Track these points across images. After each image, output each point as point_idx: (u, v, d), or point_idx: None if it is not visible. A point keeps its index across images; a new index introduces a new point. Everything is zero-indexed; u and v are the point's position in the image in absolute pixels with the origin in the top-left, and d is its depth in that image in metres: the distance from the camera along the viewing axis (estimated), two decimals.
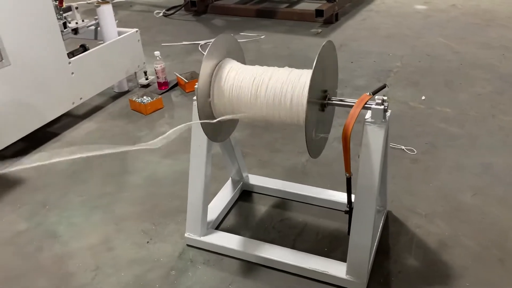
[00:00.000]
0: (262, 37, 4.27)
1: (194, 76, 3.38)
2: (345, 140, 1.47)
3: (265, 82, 1.55)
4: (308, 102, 1.40)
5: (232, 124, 1.84)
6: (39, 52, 2.53)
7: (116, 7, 4.19)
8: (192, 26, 4.79)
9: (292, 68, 1.60)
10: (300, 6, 5.11)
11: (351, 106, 1.50)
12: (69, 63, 2.75)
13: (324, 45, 1.48)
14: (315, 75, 1.42)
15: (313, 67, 1.40)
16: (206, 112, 1.62)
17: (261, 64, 1.77)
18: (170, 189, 2.28)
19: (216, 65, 1.63)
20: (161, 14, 5.11)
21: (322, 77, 1.50)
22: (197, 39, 4.28)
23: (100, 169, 2.47)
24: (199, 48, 4.10)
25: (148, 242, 1.93)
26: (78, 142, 2.73)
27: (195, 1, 4.99)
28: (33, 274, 1.82)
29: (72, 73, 2.78)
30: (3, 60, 2.05)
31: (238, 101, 1.59)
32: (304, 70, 1.55)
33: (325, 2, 4.55)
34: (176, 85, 3.39)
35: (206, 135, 1.67)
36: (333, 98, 1.58)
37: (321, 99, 1.53)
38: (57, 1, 2.87)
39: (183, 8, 5.17)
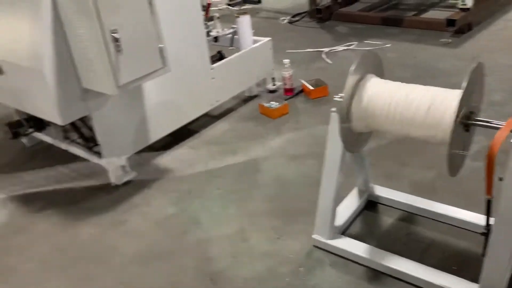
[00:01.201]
0: (388, 45, 4.24)
1: (319, 84, 3.51)
2: (490, 163, 1.47)
3: (409, 100, 1.61)
4: (455, 122, 1.43)
5: (367, 136, 1.93)
6: (189, 59, 2.86)
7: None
8: (316, 33, 4.92)
9: (434, 87, 1.64)
10: (428, 14, 4.95)
11: (498, 128, 1.49)
12: (211, 69, 3.07)
13: (476, 67, 1.49)
14: (464, 96, 1.44)
15: (463, 88, 1.43)
16: (345, 123, 1.73)
17: (387, 73, 1.83)
18: (296, 191, 2.44)
19: (359, 80, 1.73)
20: (286, 21, 5.34)
21: (468, 97, 1.52)
22: (321, 47, 4.40)
23: (234, 167, 2.72)
24: (323, 56, 4.21)
25: (278, 238, 2.11)
26: (214, 140, 3.03)
27: (320, 9, 5.12)
28: (181, 253, 2.10)
29: (213, 78, 3.09)
30: (165, 67, 2.37)
31: (379, 116, 1.67)
32: (450, 90, 1.58)
33: (457, 10, 4.36)
34: (301, 91, 3.55)
35: (344, 145, 1.78)
36: (479, 119, 1.58)
37: (466, 120, 1.54)
38: (204, 12, 3.21)
39: (307, 14, 5.33)
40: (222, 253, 2.06)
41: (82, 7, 2.02)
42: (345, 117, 1.71)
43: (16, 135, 2.65)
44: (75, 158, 2.84)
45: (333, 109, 1.79)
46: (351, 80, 1.68)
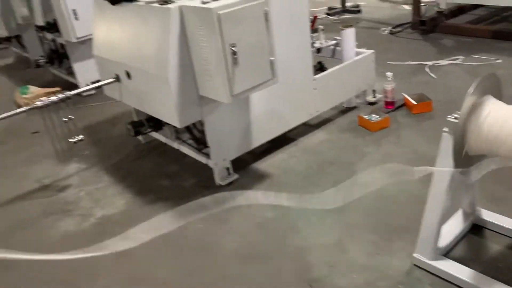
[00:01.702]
0: (498, 61, 4.01)
1: (422, 99, 3.43)
2: None
3: None
4: None
5: (480, 157, 1.88)
6: (294, 69, 2.98)
7: (343, 23, 4.52)
8: (419, 45, 4.79)
9: None
10: None
11: None
12: (314, 79, 3.15)
13: None
14: None
15: None
16: (459, 145, 1.71)
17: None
18: (396, 206, 2.43)
19: (476, 101, 1.69)
20: (387, 31, 5.25)
21: None
22: (424, 60, 4.28)
23: (330, 176, 2.78)
24: (426, 69, 4.10)
25: (377, 254, 2.13)
26: (311, 148, 3.11)
27: (425, 20, 4.97)
28: (279, 257, 2.21)
29: (315, 88, 3.17)
30: (274, 78, 2.51)
31: (497, 141, 1.63)
32: None
33: None
34: (402, 105, 3.49)
35: (456, 166, 1.76)
36: None
37: None
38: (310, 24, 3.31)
39: (410, 26, 5.20)
40: (320, 261, 2.13)
41: (206, 23, 2.22)
42: (460, 138, 1.69)
43: (137, 133, 2.96)
44: (183, 156, 3.10)
45: (446, 129, 1.78)
46: (469, 101, 1.66)
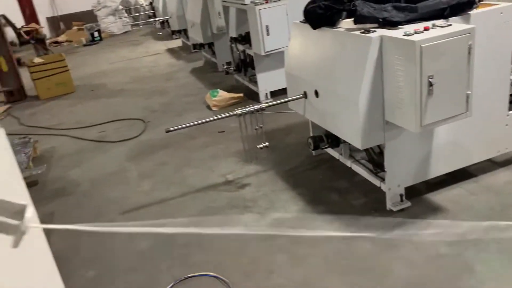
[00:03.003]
0: None
1: None
2: None
3: None
4: None
5: None
6: (487, 103, 2.82)
7: None
8: None
9: None
10: None
11: None
12: (507, 115, 2.94)
13: None
14: None
15: None
16: None
17: None
18: None
19: None
20: None
21: None
22: None
23: None
24: None
25: None
26: (495, 188, 2.92)
27: None
28: None
29: (507, 124, 2.96)
30: (467, 112, 2.44)
31: None
32: None
33: None
34: None
35: None
36: None
37: None
38: None
39: None
40: None
41: (407, 54, 2.28)
42: None
43: (316, 148, 3.18)
44: (353, 174, 3.20)
45: None
46: None
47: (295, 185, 3.33)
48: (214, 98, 5.21)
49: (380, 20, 2.53)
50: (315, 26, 2.91)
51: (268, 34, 4.60)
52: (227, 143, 4.24)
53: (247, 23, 5.58)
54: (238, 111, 3.08)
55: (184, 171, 3.84)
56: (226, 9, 5.61)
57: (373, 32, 2.49)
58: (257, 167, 3.67)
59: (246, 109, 3.08)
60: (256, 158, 3.40)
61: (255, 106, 3.11)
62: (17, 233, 1.07)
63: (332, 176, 3.38)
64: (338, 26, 2.78)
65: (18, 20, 11.39)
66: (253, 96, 5.32)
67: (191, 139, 4.43)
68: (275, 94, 5.20)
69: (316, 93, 2.98)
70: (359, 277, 2.38)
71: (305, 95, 3.12)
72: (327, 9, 2.80)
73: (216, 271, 2.54)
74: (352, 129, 2.67)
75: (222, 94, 5.28)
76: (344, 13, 2.76)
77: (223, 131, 4.48)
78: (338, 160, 3.32)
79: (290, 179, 3.43)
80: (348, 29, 2.66)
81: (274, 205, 3.13)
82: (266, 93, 5.17)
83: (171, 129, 2.99)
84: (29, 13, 12.88)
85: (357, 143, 2.67)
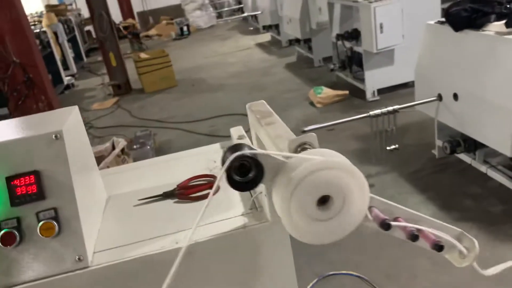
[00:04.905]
0: None
1: None
2: None
3: None
4: None
5: None
6: None
7: None
8: None
9: None
10: None
11: None
12: None
13: None
14: None
15: None
16: None
17: None
18: None
19: None
20: None
21: None
22: None
23: None
24: None
25: None
26: None
27: None
28: None
29: None
30: None
31: None
32: None
33: None
34: None
35: None
36: None
37: None
38: None
39: None
40: None
41: None
42: None
43: (452, 152, 3.12)
44: (485, 180, 3.10)
45: None
46: None
47: (423, 189, 3.29)
48: (319, 95, 5.26)
49: None
50: (457, 29, 2.85)
51: (381, 31, 4.55)
52: (339, 141, 4.27)
53: (351, 20, 5.54)
54: (372, 113, 3.10)
55: None
56: (330, 6, 5.61)
57: None
58: (377, 168, 3.67)
59: (380, 110, 3.10)
60: (384, 160, 3.41)
61: (389, 108, 3.11)
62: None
63: (461, 181, 3.30)
64: (485, 29, 2.70)
65: (117, 15, 12.17)
66: (357, 94, 5.29)
67: None
68: (381, 92, 5.14)
69: (455, 96, 2.93)
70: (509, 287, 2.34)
71: (439, 97, 3.07)
72: (474, 12, 2.74)
73: (356, 271, 2.62)
74: (500, 136, 2.60)
75: (327, 91, 5.31)
76: (493, 16, 2.68)
77: (332, 129, 4.51)
78: (465, 163, 3.24)
79: (417, 182, 3.40)
80: (499, 33, 2.58)
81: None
82: (374, 91, 5.13)
83: (306, 129, 3.09)
84: (127, 9, 13.71)
85: (506, 151, 2.59)
